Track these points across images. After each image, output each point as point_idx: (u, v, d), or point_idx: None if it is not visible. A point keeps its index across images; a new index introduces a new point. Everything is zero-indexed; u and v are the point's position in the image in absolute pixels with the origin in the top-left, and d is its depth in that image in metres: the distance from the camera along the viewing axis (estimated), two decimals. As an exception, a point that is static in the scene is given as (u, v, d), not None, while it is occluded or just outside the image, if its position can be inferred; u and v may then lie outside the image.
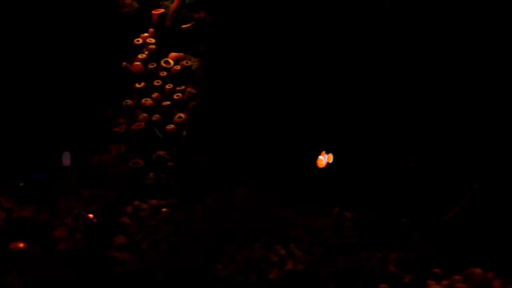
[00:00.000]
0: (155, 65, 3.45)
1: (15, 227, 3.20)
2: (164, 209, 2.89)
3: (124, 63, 3.48)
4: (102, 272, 2.77)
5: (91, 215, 3.05)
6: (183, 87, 3.43)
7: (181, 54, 3.51)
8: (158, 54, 3.50)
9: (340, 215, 2.46)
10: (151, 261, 2.67)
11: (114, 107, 3.53)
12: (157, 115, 3.36)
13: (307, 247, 2.34)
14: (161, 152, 3.18)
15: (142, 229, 2.82)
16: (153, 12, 3.42)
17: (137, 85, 3.46)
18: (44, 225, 3.31)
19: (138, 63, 3.46)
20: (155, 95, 3.41)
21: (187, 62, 3.47)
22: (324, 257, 2.24)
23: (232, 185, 3.09)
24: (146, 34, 3.57)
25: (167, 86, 3.41)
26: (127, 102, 3.46)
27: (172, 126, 3.32)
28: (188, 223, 2.79)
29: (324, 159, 3.07)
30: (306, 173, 3.28)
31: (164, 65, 3.45)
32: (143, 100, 3.43)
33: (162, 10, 3.41)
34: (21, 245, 3.05)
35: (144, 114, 3.40)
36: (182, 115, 3.34)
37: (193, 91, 3.42)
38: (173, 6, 3.44)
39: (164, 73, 3.44)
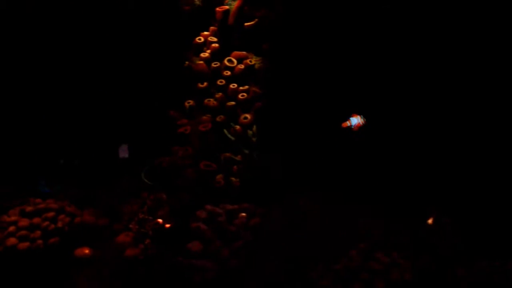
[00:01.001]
0: (218, 64, 3.27)
1: (79, 232, 3.00)
2: (242, 214, 2.69)
3: (187, 62, 3.30)
4: (178, 281, 2.57)
5: (160, 220, 2.85)
6: (246, 86, 3.24)
7: (244, 52, 3.32)
8: (221, 53, 3.31)
9: (439, 219, 2.27)
10: (233, 269, 2.47)
11: (176, 107, 3.34)
12: (221, 116, 3.17)
13: (412, 254, 2.15)
14: (230, 154, 2.98)
15: (220, 235, 2.62)
16: (217, 9, 3.24)
17: (200, 85, 3.27)
18: (107, 230, 3.12)
19: (201, 62, 3.28)
20: (219, 95, 3.23)
21: (250, 61, 3.28)
22: (433, 266, 2.05)
23: (302, 188, 2.91)
24: (206, 33, 3.39)
25: (231, 86, 3.22)
26: (189, 102, 3.27)
27: (238, 127, 3.13)
28: (268, 229, 2.59)
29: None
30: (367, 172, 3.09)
31: (227, 64, 3.27)
32: (206, 101, 3.25)
33: (226, 7, 3.23)
34: (87, 251, 2.86)
35: (208, 115, 3.21)
36: (248, 115, 3.15)
37: (258, 90, 3.23)
38: (236, 3, 3.25)
39: (227, 73, 3.25)
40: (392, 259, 2.18)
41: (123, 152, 3.28)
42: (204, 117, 3.19)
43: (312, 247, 2.54)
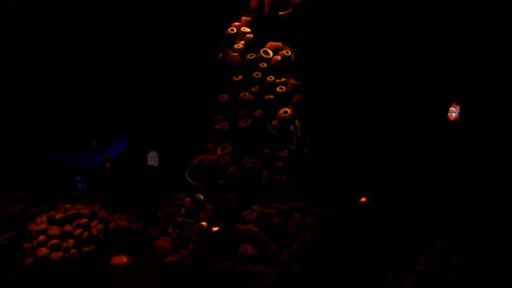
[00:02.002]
0: (254, 55, 3.03)
1: (113, 239, 2.74)
2: (296, 214, 2.46)
3: (220, 54, 3.05)
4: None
5: (204, 223, 2.61)
6: (284, 79, 3.01)
7: (280, 43, 3.09)
8: (255, 44, 3.08)
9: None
10: (294, 274, 2.24)
11: (208, 103, 3.10)
12: (259, 110, 2.94)
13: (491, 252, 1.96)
14: (276, 151, 2.75)
15: (275, 237, 2.39)
16: (253, -3, 3.00)
17: (235, 78, 3.03)
18: (141, 236, 2.86)
19: (235, 54, 3.03)
20: (255, 88, 2.99)
21: (287, 52, 3.05)
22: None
23: (353, 184, 2.69)
24: (238, 23, 3.15)
25: (268, 78, 2.99)
26: (223, 97, 3.03)
27: (276, 122, 2.90)
28: (325, 229, 2.37)
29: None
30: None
31: (263, 55, 3.03)
32: (241, 94, 3.01)
33: (262, -4, 3.00)
34: (124, 259, 2.60)
35: (244, 110, 2.97)
36: (288, 109, 2.92)
37: (297, 83, 3.00)
38: (272, -9, 3.02)
39: (264, 65, 3.02)
40: (471, 257, 1.98)
41: (153, 160, 3.02)
42: (241, 112, 2.95)
43: (375, 246, 2.33)
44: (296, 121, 2.87)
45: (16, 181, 3.16)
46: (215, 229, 2.53)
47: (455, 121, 2.61)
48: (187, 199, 2.89)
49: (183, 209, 2.86)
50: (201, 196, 2.86)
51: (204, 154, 2.94)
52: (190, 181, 2.71)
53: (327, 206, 2.51)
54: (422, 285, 1.95)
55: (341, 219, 2.45)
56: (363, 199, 2.41)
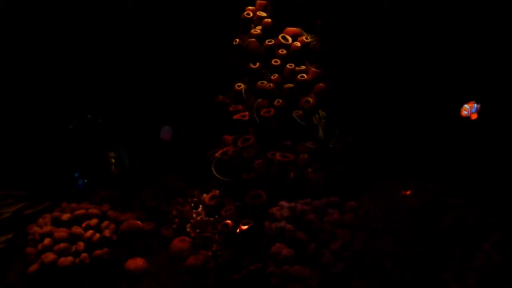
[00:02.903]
0: (273, 41, 2.80)
1: (126, 240, 2.46)
2: (332, 210, 2.26)
3: (237, 40, 2.81)
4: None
5: (229, 221, 2.37)
6: (303, 67, 2.80)
7: (298, 29, 2.87)
8: (272, 30, 2.85)
9: None
10: (339, 275, 2.04)
11: (223, 91, 2.85)
12: (279, 100, 2.71)
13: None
14: (309, 143, 2.54)
15: (313, 235, 2.18)
16: (270, -21, 2.76)
17: (252, 66, 2.79)
18: (155, 236, 2.59)
19: (253, 40, 2.79)
20: (275, 76, 2.76)
21: (306, 38, 2.83)
22: None
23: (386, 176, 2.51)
24: (252, 7, 2.91)
25: (288, 66, 2.77)
26: (240, 85, 2.79)
27: (300, 112, 2.68)
28: (364, 225, 2.18)
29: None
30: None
31: (282, 41, 2.80)
32: (259, 83, 2.77)
33: (280, -23, 2.76)
34: (140, 262, 2.33)
35: (262, 99, 2.74)
36: (309, 99, 2.71)
37: (318, 71, 2.78)
38: (289, -27, 2.79)
39: (283, 51, 2.79)
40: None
41: (165, 134, 2.72)
42: (261, 101, 2.72)
43: (419, 241, 2.15)
44: (320, 111, 2.66)
45: (10, 179, 2.83)
46: (244, 227, 2.29)
47: (468, 118, 2.45)
48: (205, 195, 2.63)
49: (201, 206, 2.61)
50: (218, 192, 2.62)
51: (219, 146, 2.69)
52: (218, 176, 2.45)
53: (363, 200, 2.32)
54: (485, 283, 1.78)
55: (380, 213, 2.26)
56: (408, 192, 2.23)
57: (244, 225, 2.31)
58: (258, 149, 2.56)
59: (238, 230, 2.33)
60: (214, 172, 2.45)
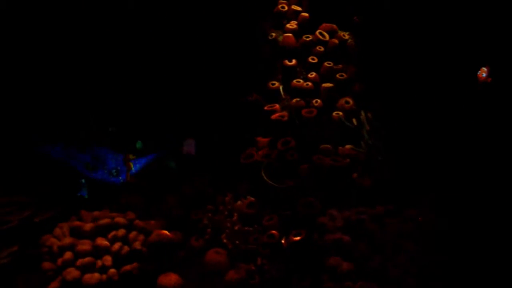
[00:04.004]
0: (310, 37, 2.57)
1: (155, 253, 2.16)
2: (389, 220, 2.05)
3: (273, 34, 2.56)
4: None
5: (275, 232, 2.11)
6: (340, 65, 2.59)
7: (334, 25, 2.66)
8: (308, 25, 2.63)
9: None
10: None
11: (256, 90, 2.60)
12: (318, 100, 2.49)
13: None
14: (350, 147, 2.32)
15: (375, 248, 1.96)
16: (308, -29, 2.54)
17: (287, 63, 2.56)
18: (183, 247, 2.30)
19: (289, 35, 2.56)
20: (312, 75, 2.54)
21: (343, 35, 2.63)
22: None
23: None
24: (285, 1, 2.68)
25: (326, 64, 2.55)
26: (274, 84, 2.55)
27: (340, 113, 2.47)
28: (430, 236, 1.98)
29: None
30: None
31: (320, 37, 2.58)
32: (294, 81, 2.54)
33: (318, -31, 2.55)
34: (175, 279, 2.04)
35: (298, 99, 2.51)
36: (349, 99, 2.50)
37: (356, 69, 2.59)
38: (327, -35, 2.58)
39: (320, 48, 2.57)
40: None
41: (189, 147, 2.46)
42: (298, 101, 2.49)
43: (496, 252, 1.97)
44: (362, 112, 2.45)
45: (12, 183, 2.45)
46: (296, 239, 2.04)
47: (485, 82, 2.29)
48: (239, 202, 2.36)
49: (235, 214, 2.34)
50: (253, 199, 2.36)
51: (252, 149, 2.44)
52: (270, 182, 2.19)
53: (422, 208, 2.12)
54: None
55: (444, 223, 2.07)
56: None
57: (296, 236, 2.06)
58: (299, 152, 2.33)
59: (286, 242, 2.08)
60: (265, 177, 2.19)
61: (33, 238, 2.29)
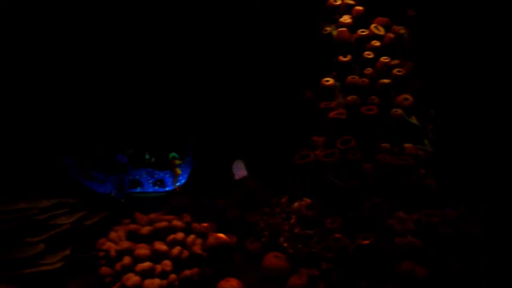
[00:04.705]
0: (366, 32, 2.45)
1: (213, 257, 2.06)
2: (461, 222, 1.92)
3: (327, 28, 2.45)
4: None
5: (340, 235, 2.00)
6: (397, 61, 2.46)
7: (388, 19, 2.53)
8: (363, 19, 2.51)
9: None
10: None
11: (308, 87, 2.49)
12: (374, 97, 2.37)
13: None
14: (410, 145, 2.20)
15: (450, 252, 1.83)
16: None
17: (342, 58, 2.44)
18: (239, 251, 2.20)
19: (344, 29, 2.44)
20: (368, 71, 2.42)
21: (399, 29, 2.50)
22: None
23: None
24: (335, -6, 2.56)
25: (382, 59, 2.42)
26: (328, 80, 2.43)
27: (399, 110, 2.34)
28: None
29: None
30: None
31: (375, 31, 2.46)
32: (349, 78, 2.42)
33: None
34: (235, 284, 1.94)
35: (353, 96, 2.39)
36: (408, 96, 2.37)
37: (413, 65, 2.46)
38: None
39: (376, 43, 2.45)
40: None
41: (239, 171, 2.37)
42: (353, 98, 2.37)
43: None
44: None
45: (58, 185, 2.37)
46: (364, 242, 1.92)
47: None
48: (296, 204, 2.25)
49: (293, 217, 2.22)
50: (310, 201, 2.25)
51: (307, 149, 2.32)
52: (338, 183, 2.08)
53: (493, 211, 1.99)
54: None
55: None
56: None
57: (364, 239, 1.94)
58: (362, 151, 2.21)
59: (353, 245, 1.96)
60: (332, 177, 2.08)
61: (84, 242, 2.22)
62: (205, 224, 2.23)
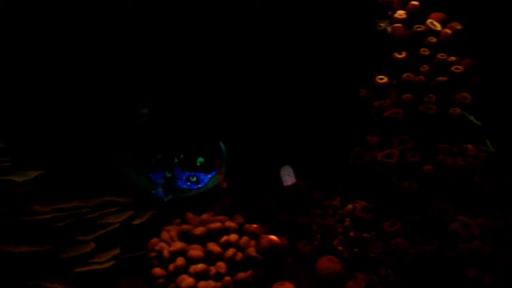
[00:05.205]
0: (422, 27, 2.34)
1: (266, 260, 1.98)
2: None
3: (382, 24, 2.35)
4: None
5: (400, 239, 1.90)
6: (454, 58, 2.34)
7: (443, 14, 2.41)
8: (418, 14, 2.40)
9: None
10: None
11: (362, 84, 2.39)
12: (432, 95, 2.25)
13: None
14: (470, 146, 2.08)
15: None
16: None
17: (397, 55, 2.33)
18: (290, 254, 2.12)
19: (399, 25, 2.34)
20: (425, 68, 2.31)
21: (456, 25, 2.38)
22: None
23: None
24: (390, -11, 2.45)
25: (439, 56, 2.31)
26: (382, 78, 2.33)
27: (458, 109, 2.22)
28: None
29: None
30: None
31: (431, 27, 2.34)
32: (405, 75, 2.31)
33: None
34: (290, 287, 1.85)
35: (408, 94, 2.28)
36: (467, 95, 2.25)
37: (472, 62, 2.33)
38: None
39: (433, 39, 2.33)
40: None
41: (288, 177, 2.29)
42: (409, 97, 2.26)
43: None
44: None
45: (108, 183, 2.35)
46: (428, 247, 1.82)
47: None
48: (350, 206, 2.16)
49: (348, 219, 2.14)
50: (364, 203, 2.16)
51: (361, 149, 2.23)
52: (401, 185, 1.98)
53: None
54: None
55: None
56: None
57: (426, 244, 1.84)
58: (416, 152, 2.10)
59: (415, 250, 1.86)
60: (395, 180, 1.98)
61: (133, 241, 2.18)
62: (255, 226, 2.17)
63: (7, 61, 2.17)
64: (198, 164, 2.41)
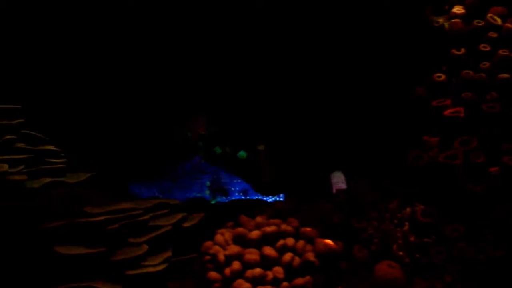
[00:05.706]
0: (482, 23, 2.22)
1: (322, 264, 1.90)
2: None
3: (439, 20, 2.25)
4: None
5: (463, 244, 1.79)
6: (516, 54, 2.20)
7: (504, 8, 2.28)
8: (477, 9, 2.28)
9: None
10: None
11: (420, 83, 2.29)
12: (493, 93, 2.13)
13: None
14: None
15: None
16: None
17: (456, 52, 2.22)
18: (346, 259, 2.04)
19: (457, 20, 2.22)
20: (485, 65, 2.18)
21: (518, 20, 2.24)
22: None
23: None
24: (445, -17, 2.34)
25: (500, 52, 2.18)
26: (440, 76, 2.22)
27: (522, 108, 2.08)
28: None
29: None
30: None
31: (492, 22, 2.22)
32: (464, 73, 2.19)
33: None
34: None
35: (468, 92, 2.16)
36: (532, 92, 2.11)
37: (536, 58, 2.19)
38: None
39: (493, 34, 2.21)
40: None
41: (338, 183, 2.21)
42: (468, 95, 2.15)
43: None
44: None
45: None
46: (497, 254, 1.70)
47: None
48: (409, 209, 2.06)
49: (407, 224, 2.03)
50: (423, 206, 2.05)
51: (420, 149, 2.13)
52: (470, 187, 1.88)
53: None
54: None
55: None
56: None
57: (495, 250, 1.73)
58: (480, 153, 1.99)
59: (483, 256, 1.75)
60: (459, 181, 1.88)
61: (184, 244, 2.14)
62: (310, 229, 2.09)
63: (60, 63, 2.17)
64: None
